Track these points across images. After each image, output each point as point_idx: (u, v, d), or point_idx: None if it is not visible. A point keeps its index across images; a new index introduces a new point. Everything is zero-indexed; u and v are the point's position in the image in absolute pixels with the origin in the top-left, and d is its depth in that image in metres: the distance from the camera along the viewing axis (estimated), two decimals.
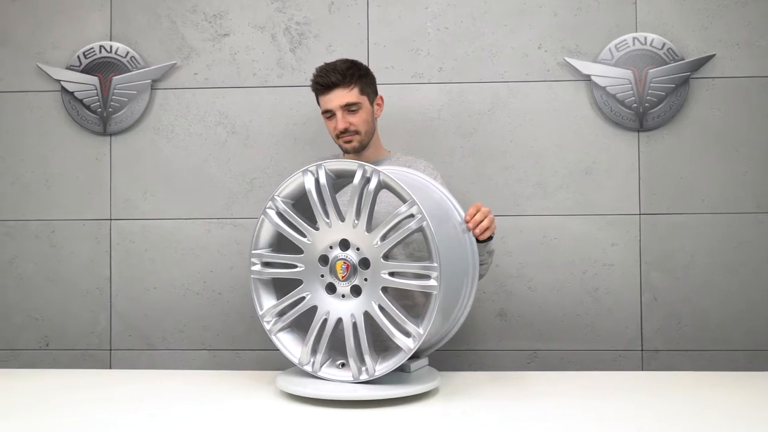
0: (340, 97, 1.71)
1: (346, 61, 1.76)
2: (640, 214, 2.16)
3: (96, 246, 2.26)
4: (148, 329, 2.25)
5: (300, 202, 1.44)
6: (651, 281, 2.15)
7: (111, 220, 2.26)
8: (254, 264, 1.46)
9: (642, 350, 2.15)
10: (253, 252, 1.46)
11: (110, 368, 2.23)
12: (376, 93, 1.81)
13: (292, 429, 1.18)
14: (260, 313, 1.45)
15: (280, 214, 1.43)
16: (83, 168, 2.27)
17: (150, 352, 2.25)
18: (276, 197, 1.44)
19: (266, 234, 1.46)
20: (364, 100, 1.75)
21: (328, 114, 1.75)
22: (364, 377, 1.35)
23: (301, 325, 1.44)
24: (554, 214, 2.17)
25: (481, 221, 1.45)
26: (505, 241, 2.18)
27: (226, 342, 2.23)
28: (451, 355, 2.17)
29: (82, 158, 2.27)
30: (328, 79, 1.71)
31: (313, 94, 1.79)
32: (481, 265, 1.66)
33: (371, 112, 1.78)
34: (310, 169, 1.40)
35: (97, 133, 2.26)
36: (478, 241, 1.51)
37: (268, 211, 1.44)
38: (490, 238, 1.57)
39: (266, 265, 1.46)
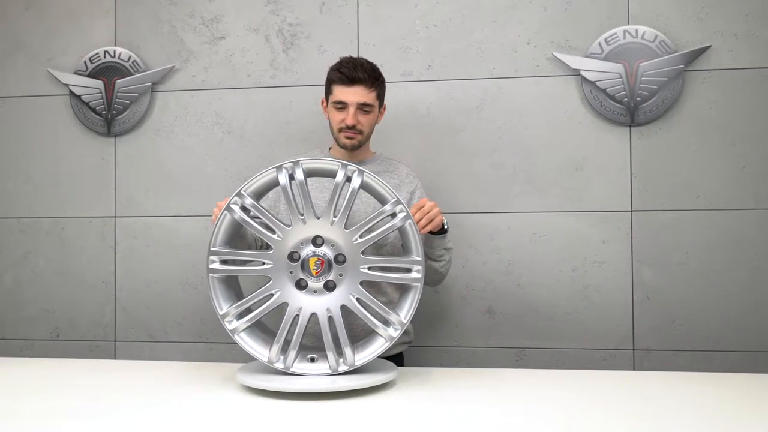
0: (360, 94, 1.70)
1: (370, 63, 1.75)
2: (631, 211, 2.11)
3: (102, 242, 2.37)
4: (149, 322, 2.34)
5: (260, 199, 1.47)
6: (643, 279, 2.11)
7: (116, 217, 2.36)
8: (213, 262, 1.42)
9: (633, 350, 2.11)
10: (211, 249, 1.41)
11: (114, 359, 2.34)
12: (383, 102, 1.83)
13: (262, 423, 1.20)
14: (221, 313, 1.42)
15: (245, 209, 1.41)
16: (90, 168, 2.38)
17: (152, 343, 2.34)
18: (243, 192, 1.41)
19: (225, 230, 1.43)
20: (377, 106, 1.77)
21: (340, 105, 1.73)
22: (343, 368, 1.38)
23: (260, 322, 1.46)
24: (544, 210, 2.15)
25: (420, 219, 1.51)
26: (494, 238, 2.17)
27: (222, 335, 2.30)
28: (439, 352, 2.19)
29: (89, 159, 2.38)
30: (355, 73, 1.69)
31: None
32: (437, 261, 1.69)
33: (376, 118, 1.81)
34: (285, 165, 1.40)
35: (102, 134, 2.37)
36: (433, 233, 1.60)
37: (232, 206, 1.41)
38: (444, 231, 1.63)
39: (224, 262, 1.43)
